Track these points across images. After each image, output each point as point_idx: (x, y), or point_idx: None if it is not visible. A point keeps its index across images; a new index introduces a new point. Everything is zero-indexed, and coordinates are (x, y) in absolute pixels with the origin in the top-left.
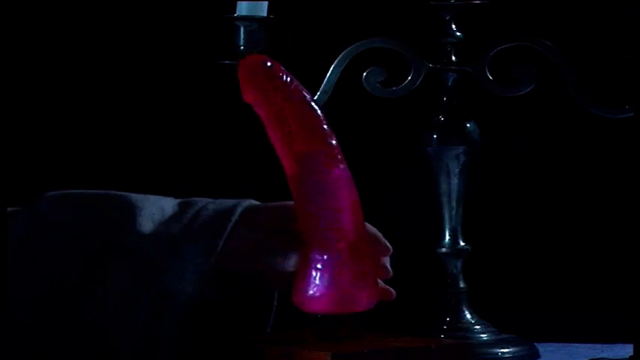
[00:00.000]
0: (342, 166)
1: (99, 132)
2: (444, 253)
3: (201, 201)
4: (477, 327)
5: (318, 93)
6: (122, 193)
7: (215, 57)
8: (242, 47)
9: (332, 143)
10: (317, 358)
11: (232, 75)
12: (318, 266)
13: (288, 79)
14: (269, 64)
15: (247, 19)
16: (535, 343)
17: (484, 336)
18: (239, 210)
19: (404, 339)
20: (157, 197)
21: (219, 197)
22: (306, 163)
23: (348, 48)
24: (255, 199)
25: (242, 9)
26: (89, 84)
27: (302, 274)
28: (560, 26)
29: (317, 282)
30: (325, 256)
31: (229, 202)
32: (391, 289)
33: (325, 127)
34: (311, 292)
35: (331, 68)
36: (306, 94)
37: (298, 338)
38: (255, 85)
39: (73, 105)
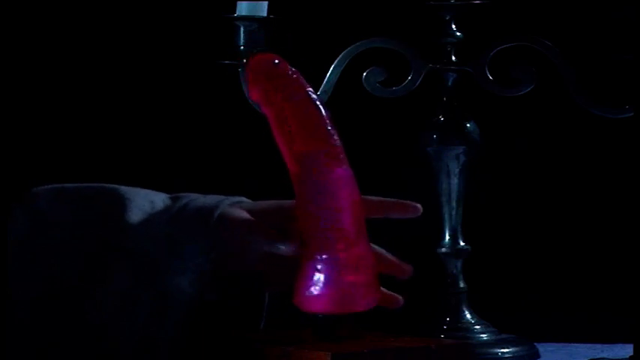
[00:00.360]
0: (343, 166)
1: (99, 132)
2: (444, 253)
3: (190, 195)
4: (477, 327)
5: (318, 93)
6: (114, 186)
7: (215, 57)
8: (242, 47)
9: (333, 143)
10: (317, 358)
11: (232, 75)
12: (318, 266)
13: (294, 76)
14: (276, 61)
15: (247, 19)
16: (535, 343)
17: (484, 336)
18: (227, 202)
19: (404, 339)
20: (147, 191)
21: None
22: (306, 163)
23: (348, 48)
24: (256, 199)
25: (242, 9)
26: (89, 84)
27: (302, 274)
28: (560, 26)
29: (317, 282)
30: (325, 256)
31: (218, 197)
32: (398, 296)
33: (328, 127)
34: (311, 292)
35: (331, 68)
36: (312, 94)
37: (298, 338)
38: (256, 85)
39: (73, 105)
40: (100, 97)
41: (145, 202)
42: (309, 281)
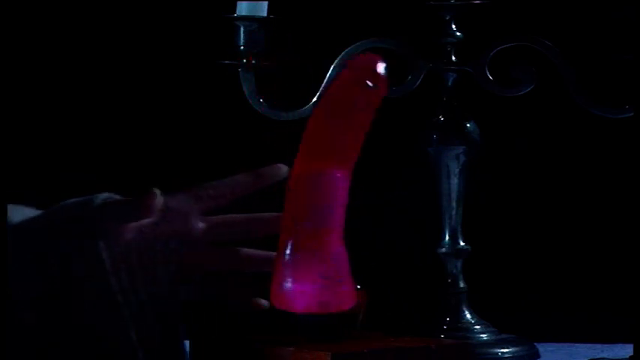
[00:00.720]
0: (344, 168)
1: (99, 132)
2: (444, 253)
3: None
4: (477, 327)
5: (318, 93)
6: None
7: (215, 57)
8: (242, 47)
9: (349, 158)
10: (317, 358)
11: (232, 75)
12: (301, 265)
13: (374, 91)
14: (378, 67)
15: (247, 19)
16: (535, 343)
17: (484, 336)
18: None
19: (404, 339)
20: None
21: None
22: (315, 162)
23: (348, 48)
24: (255, 199)
25: (242, 9)
26: (89, 84)
27: (279, 273)
28: (560, 26)
29: (297, 282)
30: (309, 256)
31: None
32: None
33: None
34: (291, 290)
35: (331, 68)
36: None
37: (298, 338)
38: (348, 76)
39: (73, 105)
40: (100, 97)
41: (19, 212)
42: (290, 280)
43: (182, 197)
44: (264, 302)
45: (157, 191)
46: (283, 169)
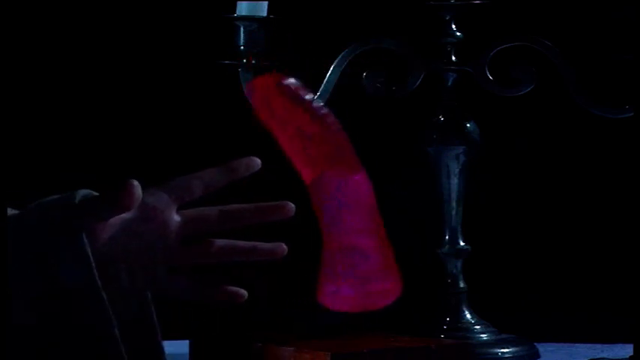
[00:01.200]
0: (361, 170)
1: (99, 132)
2: (444, 253)
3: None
4: (477, 327)
5: (318, 93)
6: None
7: (215, 57)
8: (242, 47)
9: (349, 151)
10: (317, 358)
11: (232, 75)
12: (345, 264)
13: (302, 95)
14: (286, 81)
15: (247, 19)
16: (535, 343)
17: (484, 336)
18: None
19: (404, 339)
20: None
21: (216, 197)
22: (326, 173)
23: (348, 48)
24: (255, 200)
25: (242, 9)
26: (89, 84)
27: (327, 273)
28: (560, 26)
29: (345, 280)
30: (352, 255)
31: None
32: (240, 290)
33: (342, 138)
34: (335, 289)
35: (331, 68)
36: (315, 105)
37: (298, 338)
38: (265, 105)
39: (73, 104)
40: (101, 97)
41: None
42: (337, 280)
43: (157, 192)
44: (243, 292)
45: (135, 182)
46: (256, 161)
